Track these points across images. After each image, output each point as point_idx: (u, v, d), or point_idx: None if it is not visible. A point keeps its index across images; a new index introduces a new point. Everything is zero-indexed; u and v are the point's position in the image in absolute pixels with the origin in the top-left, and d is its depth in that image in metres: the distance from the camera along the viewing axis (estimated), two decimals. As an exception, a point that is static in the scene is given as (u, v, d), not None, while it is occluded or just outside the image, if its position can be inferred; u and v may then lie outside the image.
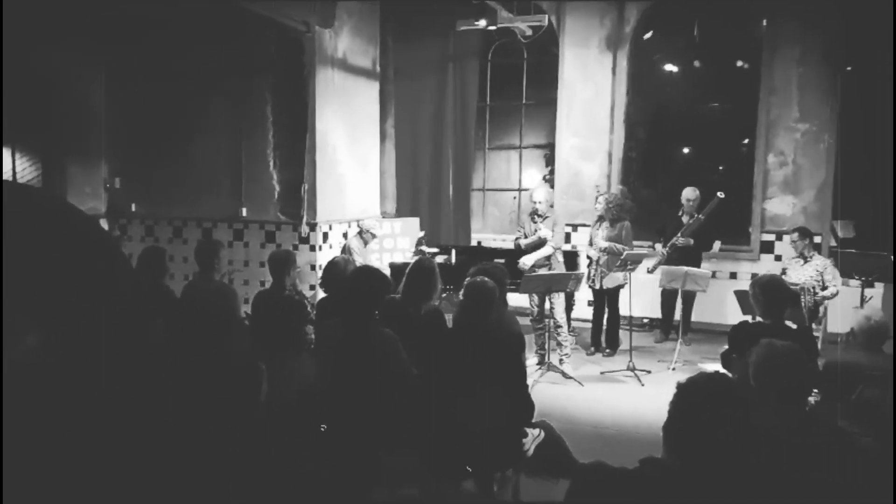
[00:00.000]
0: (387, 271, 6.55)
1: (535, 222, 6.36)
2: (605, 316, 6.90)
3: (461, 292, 3.61)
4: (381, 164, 8.92)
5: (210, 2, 6.73)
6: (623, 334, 6.77)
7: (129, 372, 2.91)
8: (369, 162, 8.61)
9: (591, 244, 6.84)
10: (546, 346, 6.26)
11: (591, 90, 8.20)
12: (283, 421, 2.95)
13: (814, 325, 6.06)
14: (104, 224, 7.85)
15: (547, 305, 6.32)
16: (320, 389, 3.41)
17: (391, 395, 3.37)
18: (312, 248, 7.57)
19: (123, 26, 7.47)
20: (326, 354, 3.60)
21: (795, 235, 6.40)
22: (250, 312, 4.58)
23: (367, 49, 8.37)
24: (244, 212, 7.78)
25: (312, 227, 7.53)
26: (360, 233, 7.13)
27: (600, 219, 6.75)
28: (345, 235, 7.87)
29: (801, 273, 6.23)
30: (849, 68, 7.58)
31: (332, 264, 4.53)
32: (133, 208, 8.19)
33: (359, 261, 6.53)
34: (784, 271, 6.18)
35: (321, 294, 4.83)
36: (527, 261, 6.22)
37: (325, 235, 7.71)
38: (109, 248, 4.12)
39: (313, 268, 7.55)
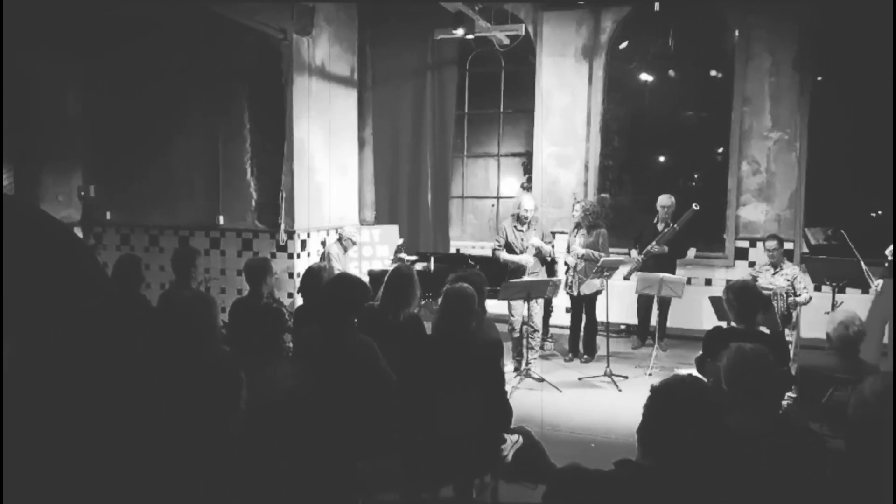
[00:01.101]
0: (366, 279, 6.56)
1: (521, 231, 6.45)
2: (583, 322, 6.95)
3: (440, 299, 3.63)
4: (360, 171, 8.93)
5: (187, 9, 6.70)
6: (600, 340, 6.82)
7: (104, 380, 2.88)
8: (348, 169, 8.62)
9: (568, 251, 6.90)
10: (524, 353, 6.30)
11: (567, 99, 8.29)
12: (262, 429, 2.93)
13: (787, 331, 6.16)
14: (79, 232, 7.76)
15: (526, 312, 6.38)
16: (299, 397, 3.40)
17: (370, 401, 3.37)
18: (290, 256, 7.55)
19: (99, 33, 7.42)
20: (305, 362, 3.59)
21: (773, 244, 6.49)
22: (227, 320, 4.55)
23: (346, 57, 8.39)
24: (221, 220, 7.74)
25: (290, 234, 7.51)
26: (340, 240, 7.13)
27: (577, 226, 6.81)
28: (323, 243, 7.86)
29: (773, 281, 6.37)
30: (819, 78, 7.74)
31: (311, 272, 4.52)
32: (108, 216, 8.12)
33: (338, 268, 6.53)
34: (755, 279, 6.27)
35: (299, 301, 4.82)
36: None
37: (303, 243, 7.69)
38: (84, 256, 4.08)
39: (291, 276, 7.52)
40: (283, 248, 7.55)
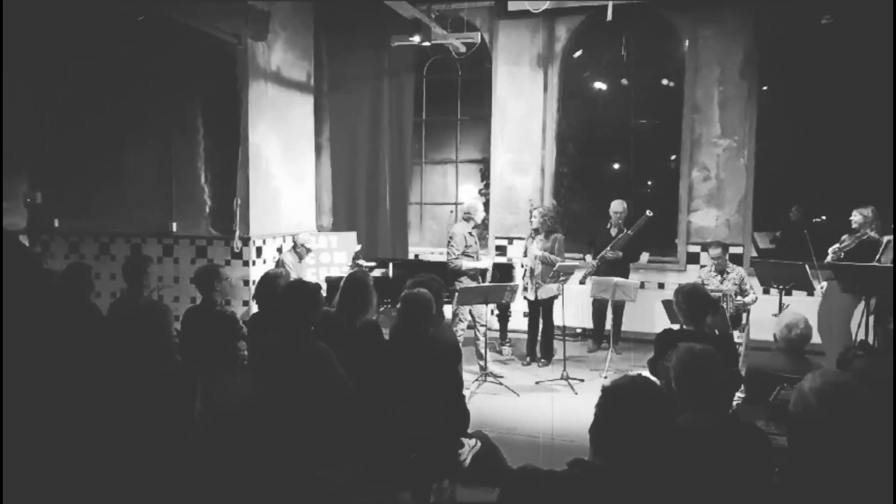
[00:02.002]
0: (323, 286, 6.51)
1: (475, 237, 6.73)
2: (540, 327, 7.03)
3: (398, 304, 3.63)
4: (317, 177, 8.88)
5: (139, 13, 6.59)
6: (557, 344, 6.91)
7: (51, 391, 2.81)
8: (304, 175, 8.56)
9: (525, 255, 6.98)
10: (485, 356, 6.36)
11: (523, 106, 8.39)
12: (217, 438, 2.89)
13: (737, 333, 6.32)
14: (24, 241, 7.52)
15: (471, 315, 6.60)
16: (255, 405, 3.36)
17: (327, 409, 3.35)
18: (245, 264, 7.45)
19: (49, 36, 7.24)
20: (260, 370, 3.55)
21: (717, 251, 6.68)
22: (180, 329, 4.47)
23: (302, 63, 8.34)
24: (174, 227, 7.60)
25: (245, 241, 7.42)
26: (295, 247, 7.07)
27: (535, 231, 6.90)
28: (279, 250, 7.79)
29: (721, 286, 6.55)
30: (764, 87, 8.00)
31: (266, 278, 4.48)
32: (56, 224, 7.89)
33: (293, 276, 6.47)
34: (703, 284, 6.43)
35: (255, 309, 4.76)
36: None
37: (259, 250, 7.60)
38: (30, 265, 3.97)
39: (246, 283, 7.43)
40: (238, 256, 7.45)
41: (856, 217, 6.10)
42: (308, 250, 7.10)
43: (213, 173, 7.55)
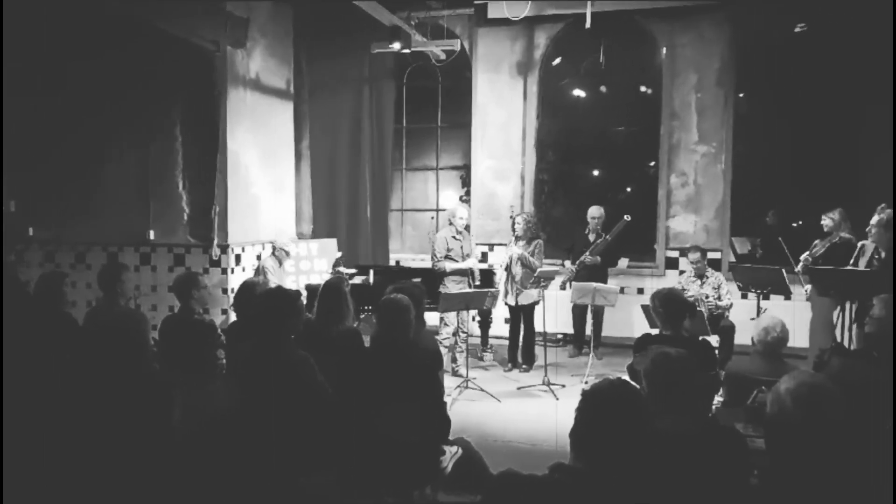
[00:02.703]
0: (304, 293, 6.47)
1: (458, 239, 6.81)
2: (521, 332, 7.04)
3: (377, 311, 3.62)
4: (297, 184, 8.84)
5: (116, 19, 6.53)
6: (538, 350, 6.92)
7: (26, 401, 2.76)
8: (284, 182, 8.52)
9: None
10: (466, 363, 6.37)
11: (503, 114, 8.43)
12: (197, 446, 2.86)
13: (716, 337, 6.38)
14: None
15: (457, 322, 6.70)
16: (234, 414, 3.33)
17: (307, 417, 3.32)
18: (224, 271, 7.39)
19: (22, 40, 7.14)
20: (239, 378, 3.52)
21: (696, 256, 6.78)
22: (158, 338, 4.42)
23: (281, 70, 8.31)
24: (152, 234, 7.52)
25: (224, 249, 7.36)
26: (274, 252, 7.02)
27: (517, 237, 6.91)
28: (258, 257, 7.73)
29: (700, 291, 6.63)
30: (741, 94, 8.11)
31: (245, 286, 4.44)
32: (31, 232, 7.76)
33: (273, 281, 6.43)
34: (683, 290, 6.48)
35: (234, 317, 4.72)
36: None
37: (238, 258, 7.54)
38: (4, 274, 3.91)
39: (225, 291, 7.36)
40: (217, 263, 7.39)
41: (826, 221, 6.19)
42: (287, 254, 7.07)
43: (191, 180, 7.48)
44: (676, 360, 2.50)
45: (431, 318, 6.32)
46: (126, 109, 7.39)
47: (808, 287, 6.22)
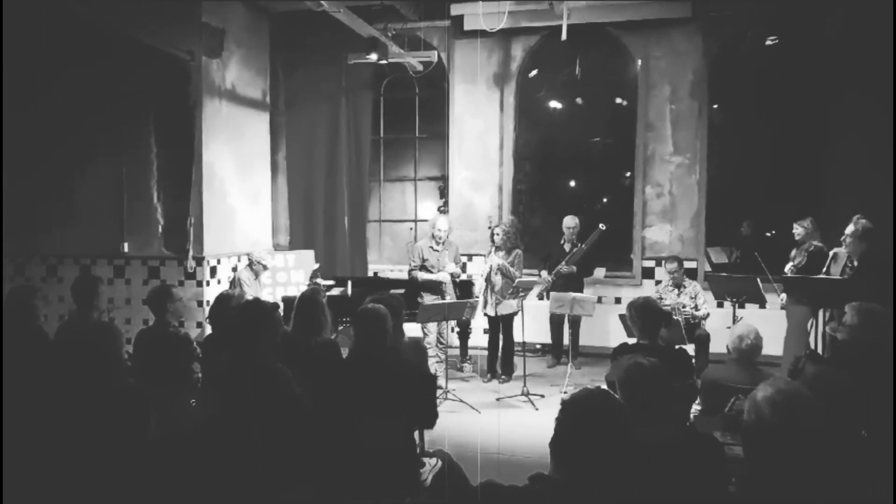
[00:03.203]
0: (281, 305, 6.42)
1: (437, 251, 6.78)
2: (500, 343, 7.04)
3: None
4: (273, 196, 8.78)
5: (90, 28, 6.46)
6: (517, 360, 6.92)
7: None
8: (260, 194, 8.46)
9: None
10: (446, 375, 6.35)
11: (480, 125, 8.46)
12: (173, 460, 2.82)
13: (692, 346, 6.43)
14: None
15: (436, 333, 6.68)
16: (211, 428, 3.28)
17: (284, 430, 3.28)
18: (199, 284, 7.31)
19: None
20: (215, 391, 3.47)
21: (674, 265, 6.86)
22: (132, 351, 4.35)
23: (257, 80, 8.28)
24: (126, 247, 7.42)
25: (199, 261, 7.28)
26: (251, 264, 6.96)
27: (496, 248, 6.92)
28: (234, 269, 7.66)
29: (678, 300, 6.70)
30: (715, 106, 8.23)
31: (221, 299, 4.39)
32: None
33: (249, 293, 6.37)
34: (660, 299, 6.56)
35: (209, 330, 4.67)
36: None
37: (213, 270, 7.47)
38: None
39: (200, 304, 7.28)
40: (192, 276, 7.30)
41: (797, 230, 6.30)
42: (264, 267, 7.01)
43: (165, 192, 7.41)
44: (649, 370, 2.51)
45: (411, 329, 6.32)
46: (100, 120, 7.30)
47: (784, 296, 6.32)
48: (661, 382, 2.51)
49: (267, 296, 7.28)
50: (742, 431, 1.97)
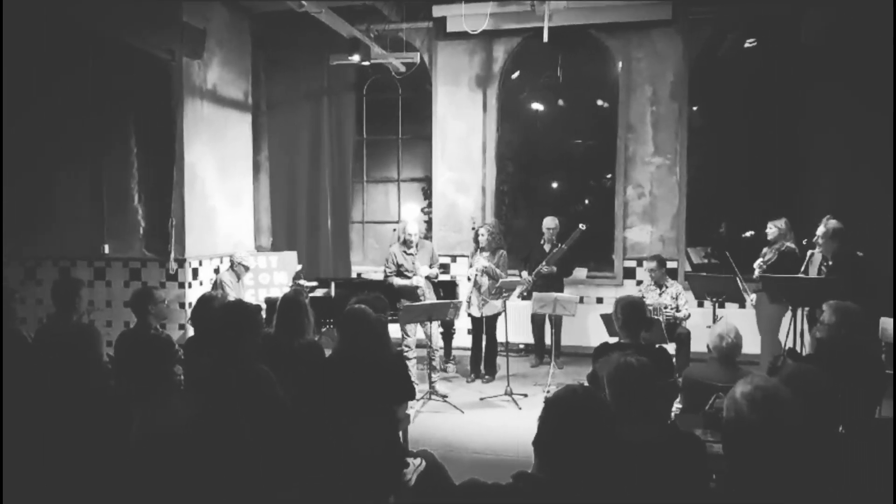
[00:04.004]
0: (263, 307, 6.40)
1: (410, 254, 6.66)
2: (484, 343, 7.06)
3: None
4: (255, 197, 8.74)
5: (70, 27, 6.39)
6: (500, 360, 6.95)
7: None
8: (242, 195, 8.42)
9: (471, 267, 7.02)
10: (429, 375, 6.35)
11: (463, 126, 8.49)
12: (155, 465, 2.80)
13: (673, 345, 6.49)
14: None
15: (421, 334, 6.63)
16: (193, 431, 3.26)
17: (267, 432, 3.27)
18: (181, 286, 7.26)
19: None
20: (198, 394, 3.45)
21: (654, 265, 6.93)
22: (113, 354, 4.31)
23: (239, 81, 8.24)
24: (106, 248, 7.35)
25: (181, 263, 7.23)
26: (232, 265, 6.92)
27: (481, 249, 6.94)
28: (216, 271, 7.61)
29: (659, 300, 6.77)
30: (695, 108, 8.32)
31: (203, 300, 4.36)
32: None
33: (231, 295, 6.34)
34: (643, 298, 6.60)
35: (191, 332, 4.64)
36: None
37: (195, 272, 7.42)
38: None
39: (182, 306, 7.23)
40: (174, 278, 7.25)
41: (771, 230, 6.38)
42: (246, 268, 6.96)
43: (146, 193, 7.35)
44: (638, 369, 2.54)
45: (394, 330, 6.31)
46: (80, 121, 7.23)
47: (754, 296, 6.42)
48: (649, 381, 2.54)
49: (250, 297, 7.25)
50: (722, 428, 2.00)
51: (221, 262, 7.76)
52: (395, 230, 9.33)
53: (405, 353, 6.59)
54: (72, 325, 4.38)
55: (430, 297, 6.68)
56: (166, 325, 6.93)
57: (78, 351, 3.16)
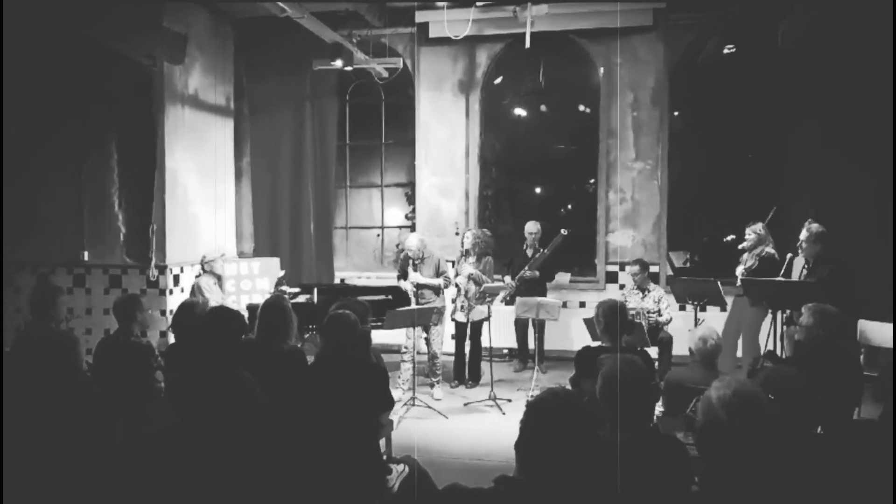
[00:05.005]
0: (245, 313, 6.35)
1: (416, 269, 6.74)
2: (468, 348, 7.06)
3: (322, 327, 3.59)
4: (237, 202, 8.69)
5: (50, 31, 6.33)
6: (485, 365, 6.95)
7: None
8: (224, 200, 8.36)
9: (456, 276, 7.03)
10: (413, 381, 6.35)
11: (446, 131, 8.50)
12: (136, 473, 2.77)
13: (655, 349, 6.53)
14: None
15: (418, 340, 6.66)
16: (175, 439, 3.23)
17: (250, 439, 3.25)
18: (162, 293, 7.20)
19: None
20: (180, 401, 3.42)
21: (636, 268, 6.98)
22: (93, 361, 4.26)
23: (221, 86, 8.20)
24: (86, 255, 7.27)
25: (162, 269, 7.17)
26: (204, 268, 6.90)
27: (466, 253, 6.95)
28: (198, 276, 7.55)
29: (642, 304, 6.82)
30: (676, 113, 8.40)
31: (184, 307, 4.33)
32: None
33: (212, 300, 6.30)
34: (626, 302, 6.65)
35: (172, 339, 4.60)
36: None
37: (176, 278, 7.36)
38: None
39: (163, 313, 7.16)
40: (155, 284, 7.19)
41: (750, 236, 6.42)
42: (217, 276, 6.91)
43: (127, 199, 7.28)
44: (642, 368, 2.55)
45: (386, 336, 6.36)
46: (59, 126, 7.15)
47: (731, 298, 6.47)
48: (640, 382, 2.56)
49: (232, 303, 7.20)
50: (697, 431, 2.01)
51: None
52: (378, 235, 9.33)
53: (402, 358, 6.61)
54: (50, 331, 4.33)
55: (415, 301, 6.68)
56: (147, 333, 6.87)
57: (56, 358, 3.12)
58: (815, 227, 5.68)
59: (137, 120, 7.12)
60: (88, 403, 3.13)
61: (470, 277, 6.79)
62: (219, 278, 7.02)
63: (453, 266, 7.26)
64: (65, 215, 7.29)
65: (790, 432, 2.27)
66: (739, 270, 6.38)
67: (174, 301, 7.10)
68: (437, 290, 6.81)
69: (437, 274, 6.78)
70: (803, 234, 5.72)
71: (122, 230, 7.28)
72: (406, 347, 6.62)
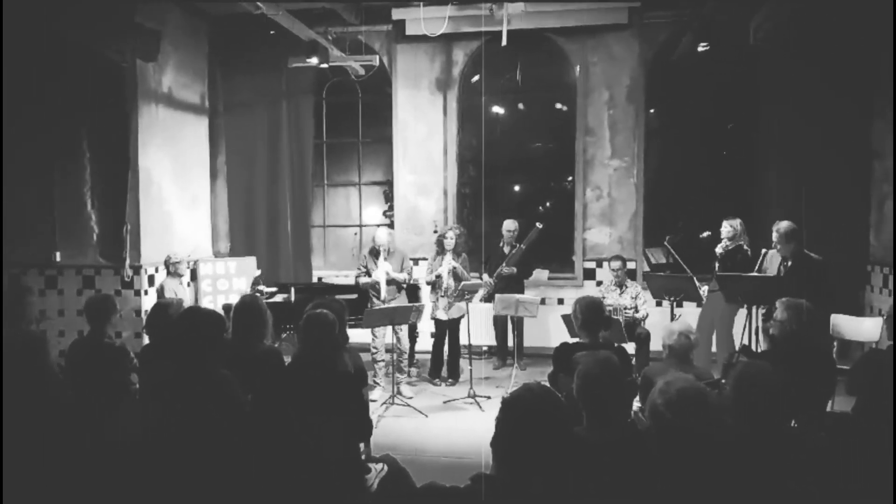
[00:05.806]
0: (222, 313, 6.29)
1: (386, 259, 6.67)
2: (446, 346, 7.06)
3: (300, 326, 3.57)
4: (213, 201, 8.60)
5: (18, 27, 6.20)
6: (463, 363, 6.96)
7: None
8: (199, 199, 8.28)
9: (433, 273, 7.00)
10: (392, 379, 6.32)
11: (424, 129, 8.49)
12: (112, 475, 2.74)
13: (633, 344, 6.58)
14: None
15: (392, 338, 6.62)
16: (151, 440, 3.19)
17: (228, 438, 3.22)
18: (137, 293, 7.10)
19: None
20: (155, 402, 3.38)
21: (618, 264, 7.03)
22: (65, 363, 4.20)
23: (195, 84, 8.11)
24: (58, 256, 7.15)
25: (136, 270, 7.08)
26: (168, 269, 6.83)
27: (444, 251, 6.93)
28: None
29: (619, 300, 6.87)
30: (651, 110, 8.46)
31: (158, 308, 4.28)
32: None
33: (184, 302, 6.23)
34: (603, 299, 6.69)
35: (147, 340, 4.54)
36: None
37: (151, 279, 7.27)
38: None
39: (138, 314, 7.07)
40: (129, 285, 7.09)
41: (726, 228, 6.50)
42: (180, 274, 6.83)
43: (100, 199, 7.17)
44: (605, 366, 2.56)
45: (358, 334, 6.29)
46: (29, 123, 7.01)
47: (705, 288, 6.53)
48: (617, 379, 2.57)
49: (208, 304, 7.13)
50: (654, 430, 2.02)
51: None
52: (356, 233, 9.29)
53: (373, 356, 6.60)
54: (18, 332, 4.25)
55: (386, 293, 6.65)
56: (121, 334, 6.78)
57: (24, 359, 3.06)
58: (783, 225, 5.76)
59: (110, 118, 7.01)
60: (58, 405, 3.08)
61: (451, 272, 6.79)
62: (193, 277, 6.92)
63: (416, 264, 7.27)
64: (36, 215, 7.16)
65: (759, 427, 2.30)
66: (717, 250, 6.46)
67: (149, 302, 7.00)
68: (400, 287, 6.79)
69: (401, 269, 6.78)
70: (774, 237, 5.79)
71: (95, 230, 7.17)
72: (375, 347, 6.62)
